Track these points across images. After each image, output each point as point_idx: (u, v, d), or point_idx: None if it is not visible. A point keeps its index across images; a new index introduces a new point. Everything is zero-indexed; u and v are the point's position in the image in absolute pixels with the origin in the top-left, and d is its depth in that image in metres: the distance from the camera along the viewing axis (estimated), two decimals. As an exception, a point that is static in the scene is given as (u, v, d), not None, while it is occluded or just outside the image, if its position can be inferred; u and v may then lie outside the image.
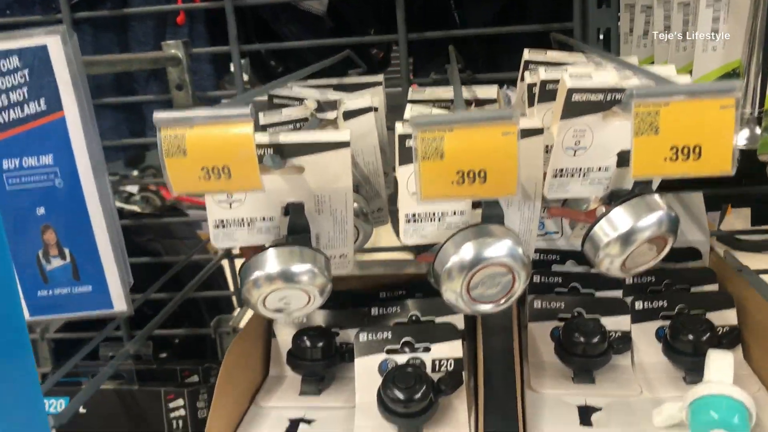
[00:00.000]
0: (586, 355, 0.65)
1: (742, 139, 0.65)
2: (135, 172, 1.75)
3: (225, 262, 1.04)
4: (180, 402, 0.74)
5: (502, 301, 0.53)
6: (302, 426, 0.63)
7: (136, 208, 1.42)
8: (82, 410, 0.72)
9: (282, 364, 0.71)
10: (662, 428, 0.58)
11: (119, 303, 0.55)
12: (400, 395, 0.58)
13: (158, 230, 1.22)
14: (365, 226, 0.62)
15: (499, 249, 0.49)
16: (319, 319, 0.73)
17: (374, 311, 0.71)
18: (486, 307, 0.53)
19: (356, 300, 0.75)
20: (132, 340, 0.82)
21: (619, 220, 0.52)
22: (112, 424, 0.72)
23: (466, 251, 0.49)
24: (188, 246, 1.23)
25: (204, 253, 1.10)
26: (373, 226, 0.65)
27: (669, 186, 0.57)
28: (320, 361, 0.68)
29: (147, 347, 0.79)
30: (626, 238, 0.51)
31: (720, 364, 0.57)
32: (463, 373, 0.63)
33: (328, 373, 0.69)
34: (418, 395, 0.58)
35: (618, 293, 0.72)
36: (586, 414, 0.61)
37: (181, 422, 0.74)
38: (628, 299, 0.70)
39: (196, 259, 1.00)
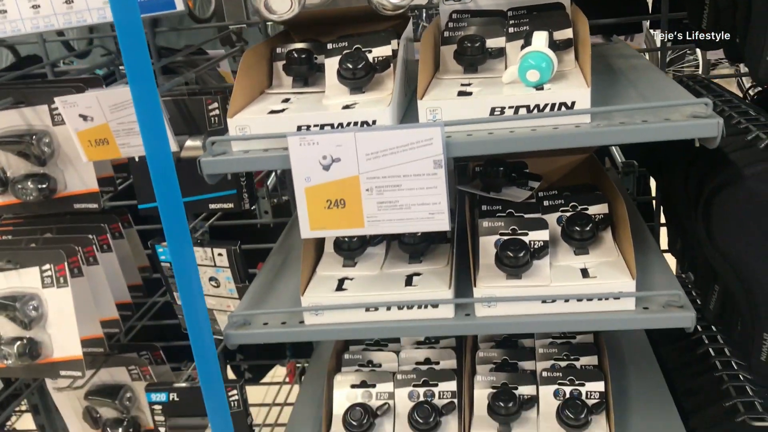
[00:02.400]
0: (472, 54, 1.03)
1: None
2: None
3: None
4: (215, 104, 1.13)
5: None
6: (292, 98, 1.02)
7: None
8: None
9: (282, 76, 1.10)
10: (507, 83, 0.96)
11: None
12: (350, 66, 0.96)
13: None
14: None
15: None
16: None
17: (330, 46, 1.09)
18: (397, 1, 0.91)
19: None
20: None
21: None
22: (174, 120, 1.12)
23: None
24: None
25: None
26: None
27: None
28: (304, 66, 1.06)
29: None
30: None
31: (538, 37, 0.94)
32: (392, 64, 1.01)
33: (309, 77, 1.08)
34: (360, 66, 0.96)
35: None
36: (465, 85, 1.00)
37: (216, 119, 1.14)
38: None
39: None
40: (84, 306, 1.20)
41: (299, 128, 0.92)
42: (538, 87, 0.92)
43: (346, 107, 0.93)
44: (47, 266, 1.15)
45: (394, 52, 1.03)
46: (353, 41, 1.04)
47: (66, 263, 1.14)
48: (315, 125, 0.92)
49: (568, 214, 1.06)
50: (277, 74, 1.10)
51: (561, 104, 0.89)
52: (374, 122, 0.91)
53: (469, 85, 0.98)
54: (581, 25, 1.01)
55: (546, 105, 0.89)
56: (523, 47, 0.98)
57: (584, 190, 1.13)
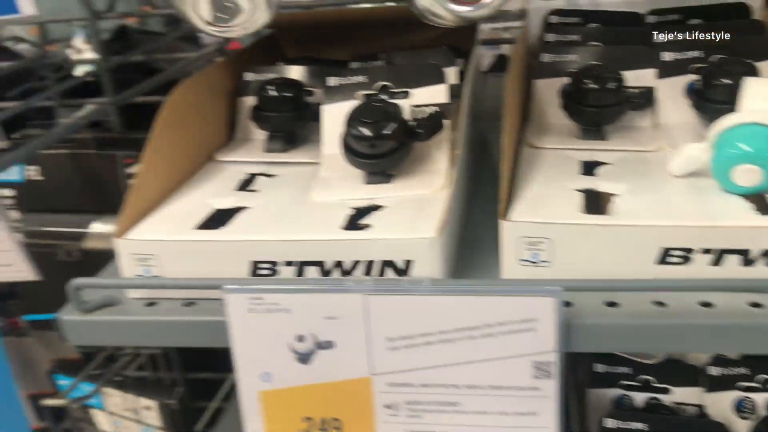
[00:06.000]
0: (597, 104, 0.54)
1: None
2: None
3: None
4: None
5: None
6: (260, 179, 0.55)
7: None
8: (39, 177, 0.66)
9: (249, 127, 0.63)
10: (679, 175, 0.47)
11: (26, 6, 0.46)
12: (366, 131, 0.49)
13: None
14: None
15: None
16: (293, 75, 0.63)
17: (353, 65, 0.61)
18: (461, 9, 0.43)
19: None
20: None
21: None
22: (70, 189, 0.66)
23: None
24: None
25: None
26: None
27: None
28: (287, 113, 0.59)
29: (113, 113, 0.71)
30: None
31: (757, 91, 0.45)
32: (445, 122, 0.54)
33: (297, 131, 0.61)
34: (386, 131, 0.49)
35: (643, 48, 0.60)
36: (590, 167, 0.51)
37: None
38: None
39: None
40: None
41: (255, 267, 0.45)
42: (758, 199, 0.43)
43: (353, 223, 0.46)
44: None
45: (455, 90, 0.55)
46: (377, 72, 0.56)
47: None
48: (287, 262, 0.45)
49: None
50: (242, 120, 0.63)
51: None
52: (407, 265, 0.43)
53: (594, 173, 0.50)
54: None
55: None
56: (703, 97, 0.50)
57: None
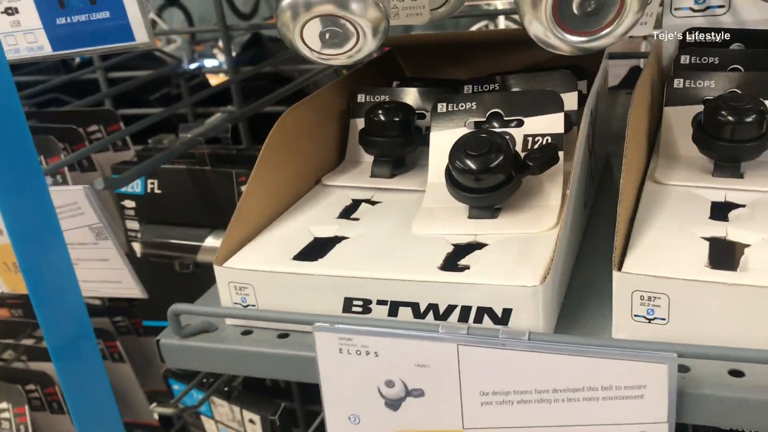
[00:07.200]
0: (734, 138, 0.49)
1: None
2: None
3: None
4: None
5: (606, 29, 0.39)
6: (364, 206, 0.54)
7: None
8: (157, 190, 0.68)
9: (359, 149, 0.62)
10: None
11: (140, 34, 0.47)
12: (470, 164, 0.46)
13: None
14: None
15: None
16: (407, 97, 0.62)
17: (467, 89, 0.59)
18: (576, 39, 0.39)
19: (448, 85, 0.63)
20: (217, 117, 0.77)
21: None
22: (186, 203, 0.68)
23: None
24: None
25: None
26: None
27: None
28: (394, 138, 0.57)
29: (225, 130, 0.73)
30: None
31: None
32: (561, 154, 0.50)
33: (406, 156, 0.59)
34: (494, 164, 0.46)
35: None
36: (721, 210, 0.46)
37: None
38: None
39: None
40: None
41: (348, 303, 0.44)
42: None
43: (452, 263, 0.43)
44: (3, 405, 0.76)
45: (570, 118, 0.52)
46: (489, 99, 0.53)
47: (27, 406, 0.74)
48: (380, 301, 0.43)
49: None
50: (353, 142, 0.62)
51: None
52: (506, 313, 0.40)
53: (726, 217, 0.45)
54: None
55: None
56: None
57: None
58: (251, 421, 0.72)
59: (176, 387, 0.80)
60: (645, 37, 1.18)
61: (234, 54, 1.26)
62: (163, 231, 0.68)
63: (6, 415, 0.75)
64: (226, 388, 0.75)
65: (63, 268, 0.40)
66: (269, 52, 1.45)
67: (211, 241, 0.67)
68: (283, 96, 0.99)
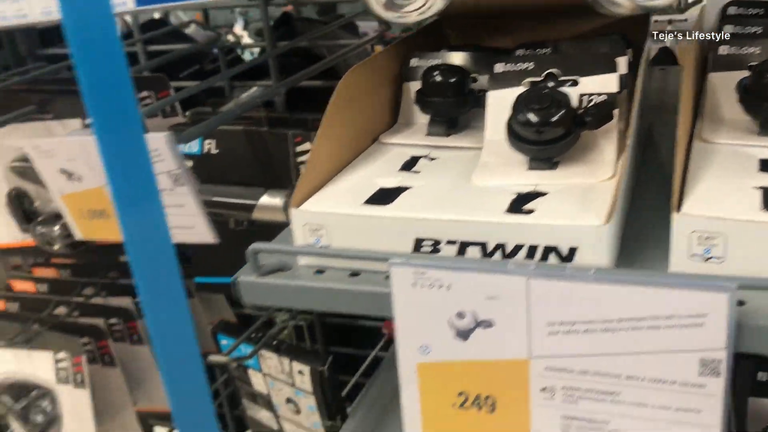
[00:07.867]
0: (781, 99, 0.51)
1: None
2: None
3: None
4: (307, 146, 0.71)
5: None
6: (423, 161, 0.57)
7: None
8: (214, 150, 0.72)
9: (413, 111, 0.64)
10: None
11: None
12: (532, 117, 0.49)
13: None
14: None
15: None
16: (457, 62, 0.64)
17: (520, 52, 0.62)
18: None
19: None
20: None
21: None
22: (242, 163, 0.71)
23: None
24: None
25: None
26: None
27: None
28: (450, 99, 0.60)
29: (280, 95, 0.76)
30: None
31: None
32: (614, 112, 0.53)
33: (460, 117, 0.62)
34: (554, 119, 0.49)
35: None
36: (769, 165, 0.49)
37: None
38: None
39: None
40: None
41: (418, 243, 0.47)
42: None
43: (517, 207, 0.46)
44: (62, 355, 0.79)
45: (625, 80, 0.54)
46: (545, 60, 0.56)
47: (84, 356, 0.78)
48: (450, 241, 0.46)
49: None
50: (406, 104, 0.65)
51: None
52: (571, 252, 0.43)
53: (777, 169, 0.48)
54: None
55: None
56: None
57: None
58: (300, 372, 0.75)
59: (224, 342, 0.83)
60: (670, 21, 1.21)
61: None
62: (219, 190, 0.70)
63: (64, 364, 0.79)
64: (275, 342, 0.78)
65: (156, 211, 0.42)
66: (298, 32, 1.47)
67: (266, 200, 0.69)
68: (315, 73, 1.01)
